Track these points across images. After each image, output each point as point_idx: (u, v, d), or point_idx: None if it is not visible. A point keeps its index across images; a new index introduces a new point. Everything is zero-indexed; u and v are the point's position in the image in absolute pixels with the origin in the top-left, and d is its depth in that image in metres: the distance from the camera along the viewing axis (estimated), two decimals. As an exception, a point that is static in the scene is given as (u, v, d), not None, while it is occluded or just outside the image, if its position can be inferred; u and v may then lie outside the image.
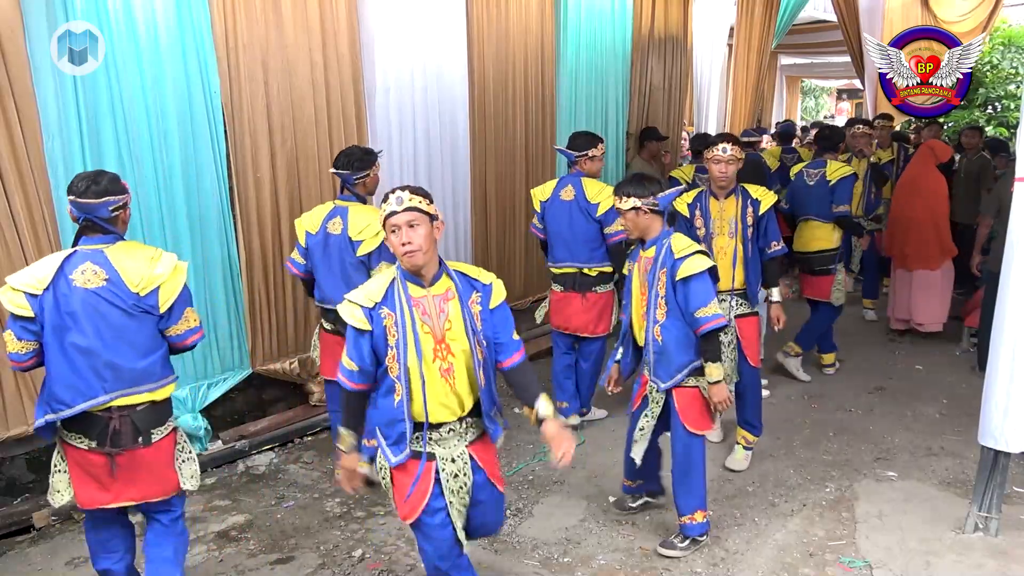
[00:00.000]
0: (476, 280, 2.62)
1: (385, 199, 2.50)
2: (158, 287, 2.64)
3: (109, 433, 2.63)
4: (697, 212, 4.15)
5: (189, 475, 2.83)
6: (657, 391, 3.37)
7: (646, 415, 3.43)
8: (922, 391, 5.35)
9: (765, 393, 5.23)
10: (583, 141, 4.54)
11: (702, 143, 5.60)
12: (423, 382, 2.51)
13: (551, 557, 3.46)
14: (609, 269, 4.51)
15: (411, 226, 2.44)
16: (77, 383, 2.58)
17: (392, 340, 2.49)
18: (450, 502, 2.60)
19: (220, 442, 4.45)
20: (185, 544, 2.96)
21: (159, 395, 2.71)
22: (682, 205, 4.15)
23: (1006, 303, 3.31)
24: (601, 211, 4.38)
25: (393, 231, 2.47)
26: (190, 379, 4.28)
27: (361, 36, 4.87)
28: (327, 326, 4.00)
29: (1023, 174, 3.25)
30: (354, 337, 2.53)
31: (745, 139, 7.13)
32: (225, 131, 4.30)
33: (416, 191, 2.49)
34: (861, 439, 4.62)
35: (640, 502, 3.80)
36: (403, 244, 2.45)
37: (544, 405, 2.61)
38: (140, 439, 2.67)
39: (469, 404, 2.61)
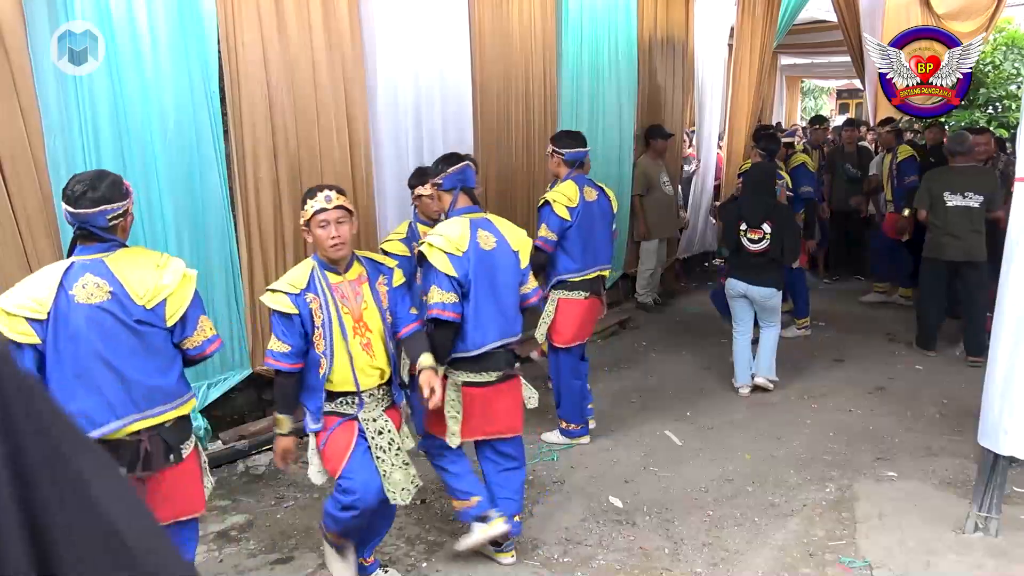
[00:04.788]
0: (381, 264, 3.04)
1: (312, 196, 2.83)
2: (165, 299, 2.47)
3: (141, 457, 2.46)
4: None
5: (208, 485, 2.79)
6: None
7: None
8: (922, 391, 5.36)
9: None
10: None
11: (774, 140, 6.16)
12: (350, 356, 2.86)
13: (551, 557, 3.46)
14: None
15: (339, 222, 2.81)
16: (88, 410, 2.36)
17: (318, 321, 2.82)
18: (379, 458, 2.92)
19: (220, 442, 4.44)
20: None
21: (184, 411, 2.60)
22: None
23: (1005, 304, 3.32)
24: (614, 210, 4.59)
25: (322, 226, 2.80)
26: (190, 379, 4.27)
27: (363, 35, 4.87)
28: None
29: (1023, 174, 3.26)
30: (282, 322, 2.82)
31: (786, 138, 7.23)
32: (226, 131, 4.30)
33: (341, 191, 2.87)
34: (861, 439, 4.62)
35: None
36: (331, 238, 2.79)
37: (426, 357, 2.97)
38: (172, 456, 2.54)
39: (388, 372, 3.00)
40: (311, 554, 3.52)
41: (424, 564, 3.41)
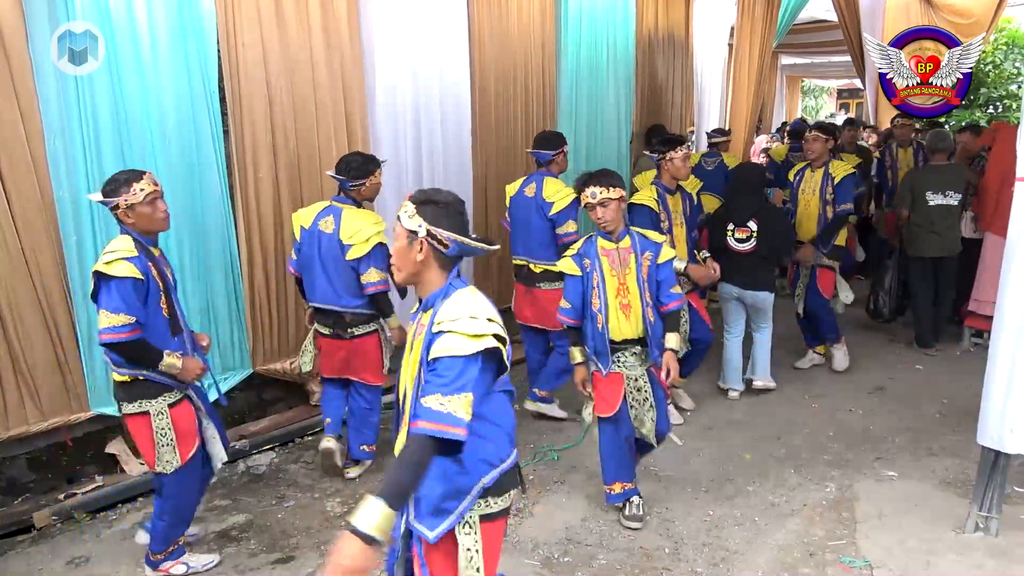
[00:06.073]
0: (436, 333, 2.05)
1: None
2: None
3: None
4: (661, 206, 4.56)
5: (165, 460, 3.12)
6: (639, 375, 3.54)
7: (634, 406, 3.55)
8: (922, 391, 5.36)
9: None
10: (556, 139, 4.70)
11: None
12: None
13: (551, 557, 3.46)
14: (556, 268, 4.57)
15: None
16: None
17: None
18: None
19: (220, 442, 4.45)
20: (160, 525, 3.26)
21: (118, 378, 3.06)
22: (652, 201, 4.53)
23: (1006, 303, 3.32)
24: (554, 211, 4.48)
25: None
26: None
27: (362, 35, 4.87)
28: (322, 331, 4.03)
29: (1023, 174, 3.26)
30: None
31: (713, 139, 7.23)
32: (226, 131, 4.30)
33: (411, 198, 2.17)
34: (861, 439, 4.62)
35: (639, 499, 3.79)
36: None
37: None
38: (120, 408, 3.14)
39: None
40: (311, 554, 3.52)
41: (424, 564, 3.40)
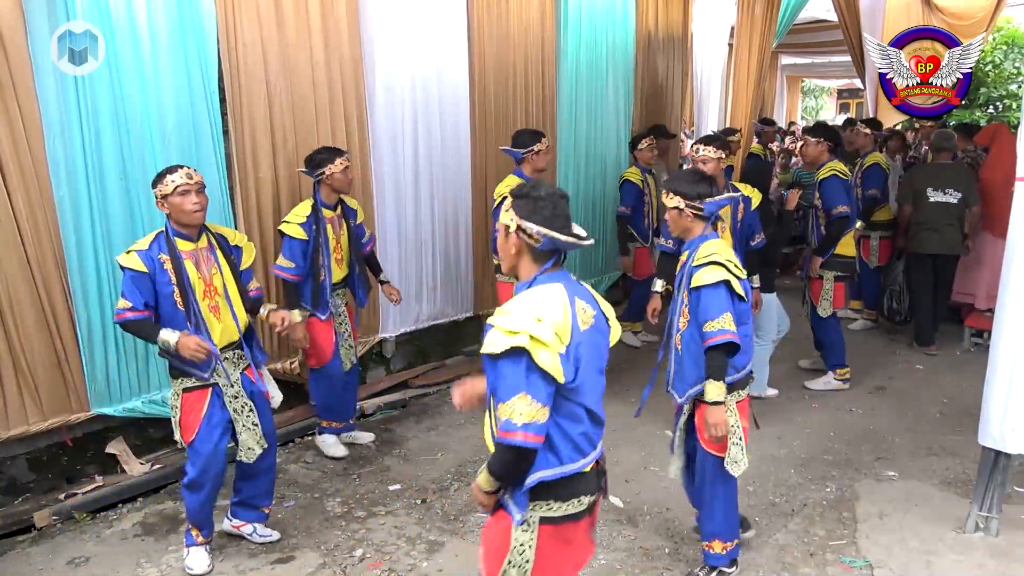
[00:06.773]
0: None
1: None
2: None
3: None
4: None
5: (177, 435, 3.35)
6: (685, 406, 3.20)
7: (679, 428, 3.25)
8: (922, 391, 5.36)
9: (772, 392, 5.25)
10: (527, 138, 4.69)
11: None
12: None
13: (551, 557, 3.45)
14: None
15: None
16: None
17: None
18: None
19: (220, 442, 4.44)
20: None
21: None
22: None
23: (1006, 303, 3.32)
24: (494, 206, 4.58)
25: None
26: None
27: (362, 35, 4.87)
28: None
29: (1023, 174, 3.26)
30: None
31: (730, 137, 7.25)
32: (226, 131, 4.30)
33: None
34: (861, 439, 4.62)
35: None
36: None
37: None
38: None
39: None
40: (312, 553, 3.52)
41: (425, 563, 3.41)
